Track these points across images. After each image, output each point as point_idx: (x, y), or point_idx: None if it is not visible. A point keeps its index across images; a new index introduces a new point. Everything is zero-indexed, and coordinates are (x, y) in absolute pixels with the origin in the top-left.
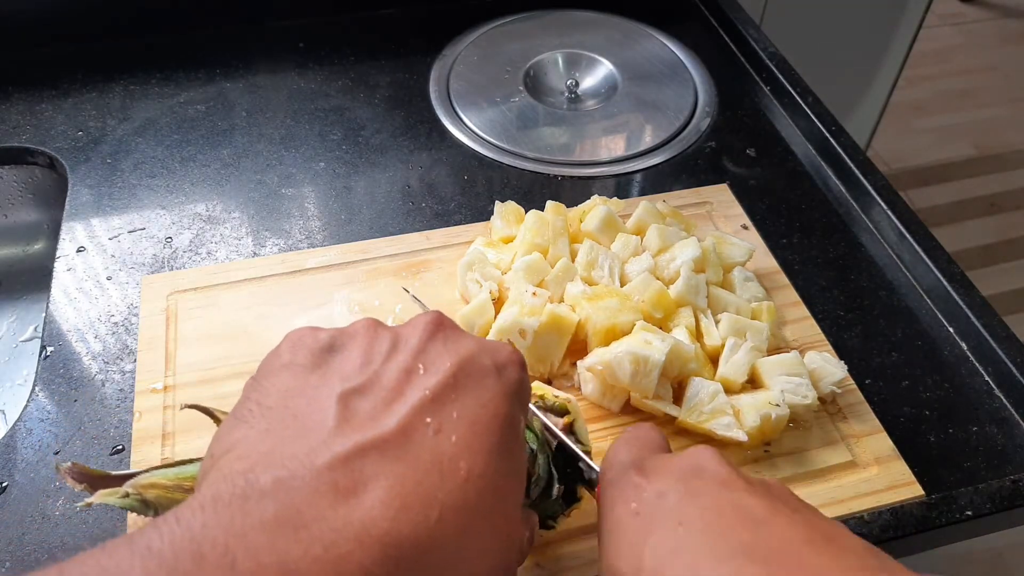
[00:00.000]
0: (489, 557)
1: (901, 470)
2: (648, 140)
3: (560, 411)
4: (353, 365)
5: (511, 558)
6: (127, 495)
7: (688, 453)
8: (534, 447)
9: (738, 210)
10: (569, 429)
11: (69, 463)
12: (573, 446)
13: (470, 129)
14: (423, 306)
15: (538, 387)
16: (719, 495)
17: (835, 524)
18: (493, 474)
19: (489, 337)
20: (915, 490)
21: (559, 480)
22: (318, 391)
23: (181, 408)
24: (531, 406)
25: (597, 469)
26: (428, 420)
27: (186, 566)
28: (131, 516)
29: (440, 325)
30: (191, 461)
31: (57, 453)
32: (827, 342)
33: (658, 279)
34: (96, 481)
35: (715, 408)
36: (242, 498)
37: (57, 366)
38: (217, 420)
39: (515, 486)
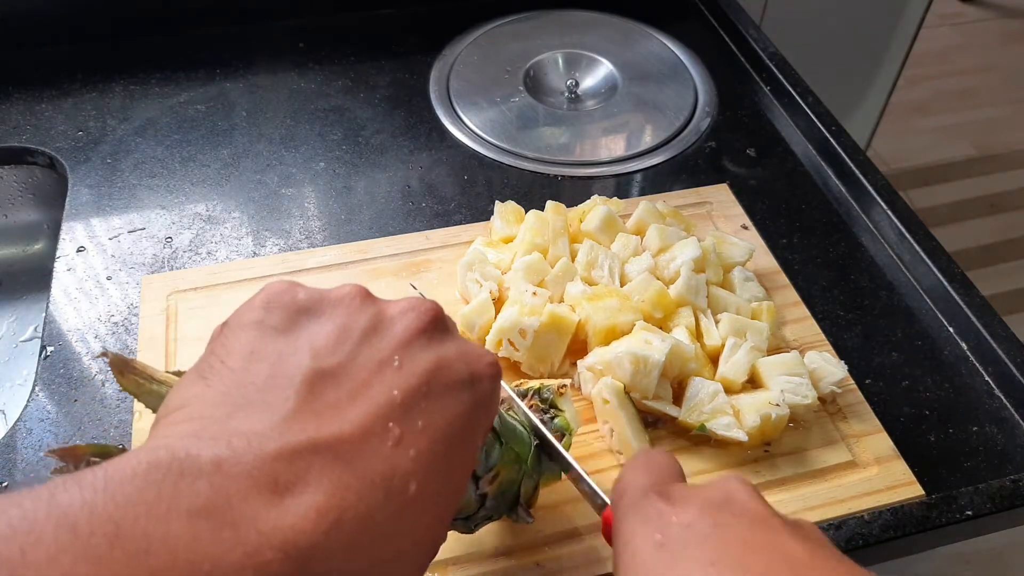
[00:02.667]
0: (407, 571)
1: (901, 470)
2: (648, 140)
3: (549, 404)
4: (327, 338)
5: (424, 566)
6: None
7: (718, 482)
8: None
9: (738, 210)
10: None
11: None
12: (580, 471)
13: (470, 129)
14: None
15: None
16: (754, 533)
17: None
18: (438, 496)
19: (489, 337)
20: (915, 490)
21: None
22: (284, 360)
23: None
24: (534, 418)
25: (605, 498)
26: (391, 426)
27: (99, 547)
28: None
29: (434, 320)
30: None
31: None
32: (827, 342)
33: (658, 279)
34: (130, 369)
35: (715, 408)
36: (178, 473)
37: (57, 366)
38: (128, 373)
39: (453, 507)
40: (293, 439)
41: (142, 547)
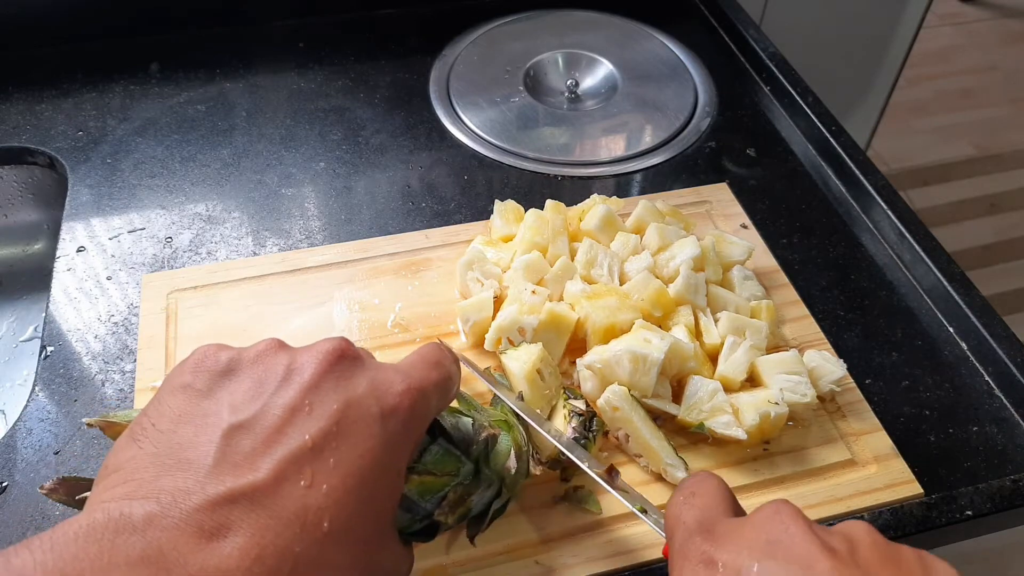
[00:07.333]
0: None
1: (900, 468)
2: (648, 140)
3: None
4: (244, 394)
5: None
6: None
7: (762, 521)
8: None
9: (737, 209)
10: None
11: (52, 482)
12: (645, 519)
13: (470, 129)
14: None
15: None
16: None
17: None
18: (356, 528)
19: (489, 335)
20: (914, 488)
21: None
22: (207, 420)
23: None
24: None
25: (662, 533)
26: (303, 470)
27: None
28: None
29: (340, 356)
30: None
31: (57, 453)
32: (826, 341)
33: (657, 278)
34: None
35: (714, 406)
36: (114, 531)
37: (57, 366)
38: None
39: (378, 539)
40: (213, 491)
41: None
